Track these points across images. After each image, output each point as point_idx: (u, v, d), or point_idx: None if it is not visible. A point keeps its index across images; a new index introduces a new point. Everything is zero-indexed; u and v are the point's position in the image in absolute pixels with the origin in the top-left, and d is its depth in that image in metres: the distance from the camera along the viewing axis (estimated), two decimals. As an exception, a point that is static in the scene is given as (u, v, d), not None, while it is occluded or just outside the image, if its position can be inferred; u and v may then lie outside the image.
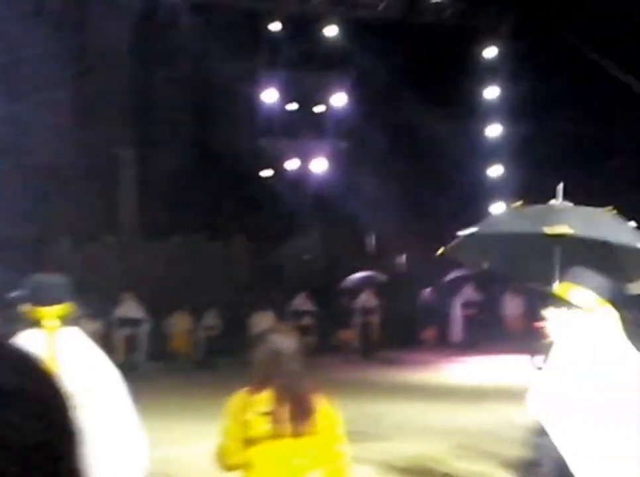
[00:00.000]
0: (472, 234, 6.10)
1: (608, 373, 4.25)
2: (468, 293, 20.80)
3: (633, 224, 5.94)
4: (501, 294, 20.57)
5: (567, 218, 5.55)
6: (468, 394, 12.87)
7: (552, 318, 4.58)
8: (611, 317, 4.43)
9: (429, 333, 20.54)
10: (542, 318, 4.72)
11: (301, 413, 3.89)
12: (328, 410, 4.01)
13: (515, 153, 22.83)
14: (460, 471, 7.91)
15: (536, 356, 5.65)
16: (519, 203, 6.13)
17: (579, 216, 5.71)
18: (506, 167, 23.61)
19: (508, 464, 7.25)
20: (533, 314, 9.75)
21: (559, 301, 4.50)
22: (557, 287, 4.64)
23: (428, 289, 21.45)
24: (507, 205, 5.97)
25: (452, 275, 21.11)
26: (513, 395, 6.59)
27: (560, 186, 5.77)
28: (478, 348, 18.68)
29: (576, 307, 4.43)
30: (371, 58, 20.72)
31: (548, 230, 5.33)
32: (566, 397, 4.27)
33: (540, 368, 4.67)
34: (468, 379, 14.96)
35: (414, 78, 20.54)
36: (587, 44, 19.21)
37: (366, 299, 19.68)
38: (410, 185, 22.36)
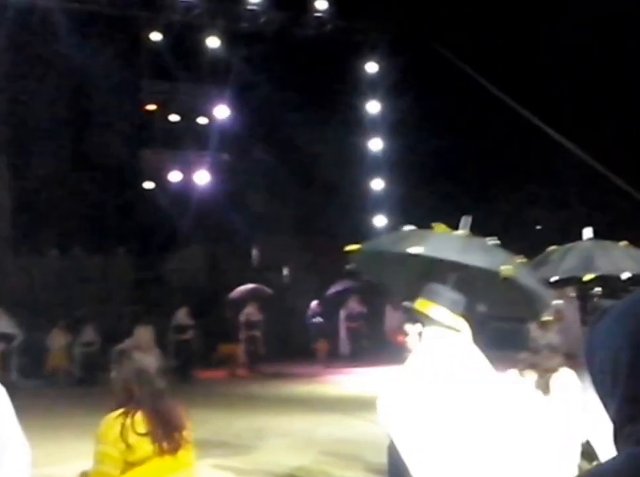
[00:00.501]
0: (371, 250, 6.03)
1: (463, 386, 4.49)
2: (352, 305, 20.96)
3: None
4: (383, 306, 20.83)
5: (431, 242, 5.51)
6: (352, 405, 12.91)
7: (412, 333, 4.78)
8: (465, 331, 4.70)
9: (320, 346, 20.56)
10: (405, 332, 4.88)
11: (173, 429, 4.02)
12: (189, 424, 4.20)
13: (395, 167, 23.22)
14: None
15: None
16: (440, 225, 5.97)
17: (448, 243, 5.63)
18: (387, 181, 23.98)
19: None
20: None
21: (419, 317, 4.71)
22: (417, 303, 4.81)
23: (315, 302, 21.48)
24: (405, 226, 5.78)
25: (336, 288, 21.24)
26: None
27: (469, 219, 5.74)
28: (363, 360, 18.83)
29: (434, 322, 4.66)
30: (253, 70, 20.72)
31: (410, 250, 5.36)
32: (417, 409, 4.48)
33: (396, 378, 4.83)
34: (353, 391, 15.03)
35: (297, 91, 20.64)
36: (462, 59, 19.75)
37: (250, 312, 19.54)
38: (294, 198, 22.45)
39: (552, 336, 5.26)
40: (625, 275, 7.34)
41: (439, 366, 4.55)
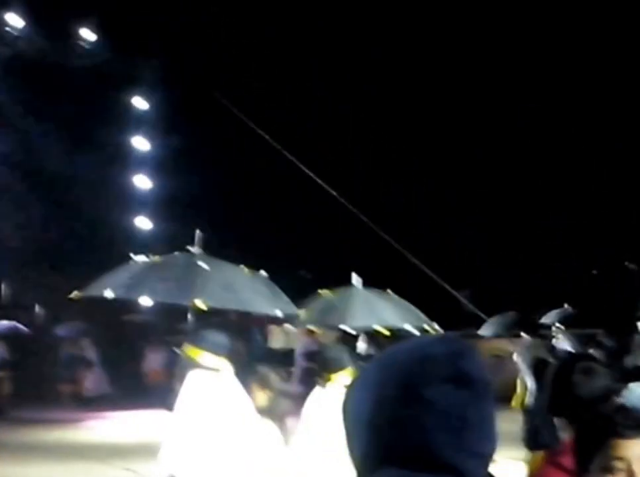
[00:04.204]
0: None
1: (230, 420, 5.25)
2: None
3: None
4: (142, 348, 20.21)
5: None
6: (106, 452, 12.30)
7: (185, 376, 5.50)
8: (227, 371, 5.48)
9: (65, 388, 19.46)
10: (177, 376, 5.65)
11: None
12: None
13: (162, 206, 22.76)
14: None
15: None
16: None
17: None
18: (153, 220, 23.42)
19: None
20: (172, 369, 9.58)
21: (189, 362, 5.47)
22: (186, 349, 5.55)
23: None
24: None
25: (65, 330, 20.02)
26: (152, 451, 6.24)
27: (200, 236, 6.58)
28: (117, 404, 17.99)
29: (202, 366, 5.42)
30: (8, 96, 19.61)
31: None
32: (194, 448, 5.13)
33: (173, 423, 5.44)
34: (106, 437, 14.31)
35: (55, 120, 19.72)
36: (231, 101, 19.74)
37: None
38: (50, 232, 21.27)
39: None
40: (408, 327, 7.96)
41: (203, 404, 5.28)
